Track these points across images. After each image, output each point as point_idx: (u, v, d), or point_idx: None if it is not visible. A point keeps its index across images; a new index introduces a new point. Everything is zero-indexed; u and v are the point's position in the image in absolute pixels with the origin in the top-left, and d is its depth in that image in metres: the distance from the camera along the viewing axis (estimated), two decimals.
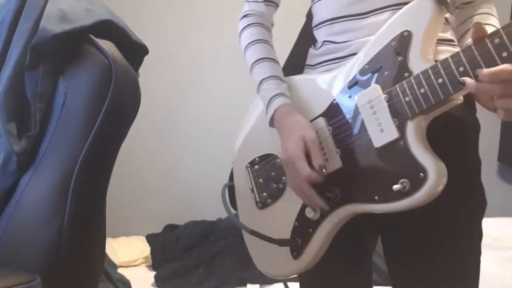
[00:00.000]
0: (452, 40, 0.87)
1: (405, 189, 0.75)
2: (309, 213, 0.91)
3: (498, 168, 2.67)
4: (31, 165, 0.83)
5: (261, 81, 0.97)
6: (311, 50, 1.03)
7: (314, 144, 0.85)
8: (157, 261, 2.38)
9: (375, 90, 0.80)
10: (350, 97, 0.86)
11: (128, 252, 2.45)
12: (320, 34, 0.98)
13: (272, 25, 1.07)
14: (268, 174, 1.01)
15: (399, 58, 0.78)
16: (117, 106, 0.82)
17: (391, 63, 0.79)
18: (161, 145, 2.73)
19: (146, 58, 0.94)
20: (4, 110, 0.83)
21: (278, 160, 0.99)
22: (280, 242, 0.95)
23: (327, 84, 0.91)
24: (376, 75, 0.82)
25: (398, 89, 0.77)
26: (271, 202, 1.01)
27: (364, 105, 0.82)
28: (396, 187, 0.76)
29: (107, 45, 0.84)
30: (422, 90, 0.74)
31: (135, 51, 0.91)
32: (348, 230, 0.89)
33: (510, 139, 2.62)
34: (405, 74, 0.77)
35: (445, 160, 0.75)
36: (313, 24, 1.01)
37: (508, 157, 2.62)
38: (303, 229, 0.92)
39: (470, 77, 0.67)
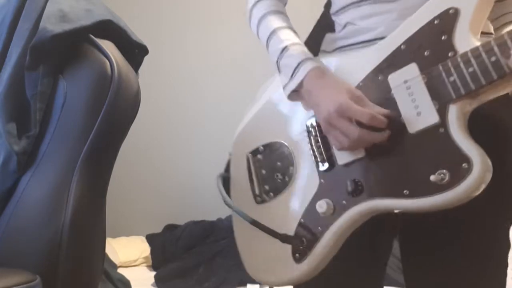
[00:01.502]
0: (491, 33, 0.80)
1: (444, 181, 0.66)
2: (321, 207, 0.78)
3: None
4: (31, 165, 0.83)
5: (284, 48, 0.85)
6: (329, 35, 0.93)
7: (364, 97, 0.75)
8: (157, 261, 2.39)
9: (413, 69, 0.72)
10: (381, 78, 0.76)
11: (128, 252, 2.45)
12: (342, 18, 0.88)
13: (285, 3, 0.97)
14: (273, 165, 0.91)
15: (443, 37, 0.70)
16: (117, 106, 0.82)
17: (433, 42, 0.71)
18: (161, 145, 2.73)
19: (146, 58, 0.94)
20: (4, 110, 0.83)
21: (286, 148, 0.90)
22: (284, 238, 0.82)
23: (354, 64, 0.82)
24: (413, 55, 0.73)
25: (441, 68, 0.69)
26: (273, 196, 0.90)
27: (398, 86, 0.73)
28: (433, 177, 0.66)
29: (107, 45, 0.84)
30: (471, 69, 0.66)
31: (135, 51, 0.91)
32: (361, 233, 0.79)
33: None
34: (450, 53, 0.69)
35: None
36: (334, 9, 0.91)
37: None
38: (311, 226, 0.81)
39: None
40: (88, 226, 0.85)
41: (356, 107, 0.73)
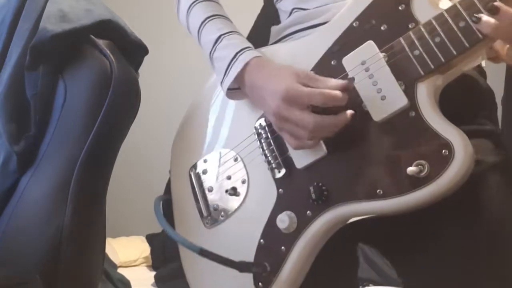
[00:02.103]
0: None
1: (423, 173, 0.56)
2: (282, 222, 0.66)
3: None
4: (31, 165, 0.83)
5: (218, 38, 0.73)
6: (274, 28, 0.81)
7: (313, 74, 0.65)
8: (157, 261, 2.39)
9: (370, 48, 0.62)
10: (335, 62, 0.66)
11: (128, 252, 2.46)
12: (287, 4, 0.79)
13: None
14: (220, 178, 0.78)
15: (400, 7, 0.62)
16: (117, 106, 0.82)
17: (389, 14, 0.62)
18: (161, 145, 2.73)
19: (146, 58, 0.94)
20: (4, 110, 0.83)
21: (234, 157, 0.76)
22: (242, 266, 0.69)
23: (302, 52, 0.71)
24: (368, 31, 0.63)
25: (403, 42, 0.60)
26: (224, 216, 0.76)
27: (355, 69, 0.63)
28: (410, 170, 0.56)
29: (107, 45, 0.84)
30: (438, 39, 0.57)
31: (135, 51, 0.91)
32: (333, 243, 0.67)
33: (510, 139, 2.62)
34: (410, 24, 0.60)
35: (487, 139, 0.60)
36: None
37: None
38: (273, 247, 0.68)
39: None
40: (88, 226, 0.85)
41: (304, 89, 0.62)
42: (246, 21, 0.95)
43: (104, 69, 0.81)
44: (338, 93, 0.60)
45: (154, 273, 2.24)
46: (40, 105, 0.83)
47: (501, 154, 0.66)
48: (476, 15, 0.53)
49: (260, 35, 0.84)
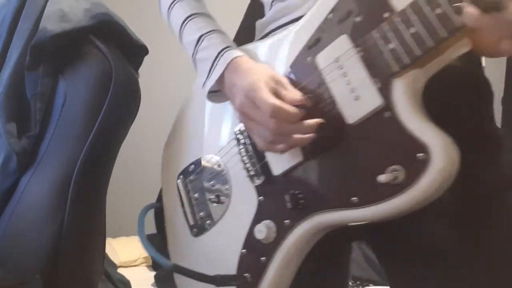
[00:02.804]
0: None
1: (398, 180, 0.51)
2: (260, 232, 0.64)
3: None
4: (31, 165, 0.83)
5: (200, 38, 0.70)
6: (259, 22, 0.78)
7: (286, 81, 0.61)
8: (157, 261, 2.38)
9: (343, 43, 0.56)
10: (310, 59, 0.61)
11: (128, 252, 2.45)
12: None
13: None
14: (205, 185, 0.74)
15: None
16: (117, 106, 0.82)
17: (364, 4, 0.56)
18: (161, 145, 2.73)
19: (146, 58, 0.94)
20: (4, 110, 0.83)
21: (218, 163, 0.73)
22: (218, 280, 0.66)
23: (281, 49, 0.67)
24: (345, 24, 0.57)
25: (375, 35, 0.53)
26: (211, 224, 0.73)
27: (329, 67, 0.58)
28: (383, 177, 0.51)
29: (107, 45, 0.84)
30: (413, 30, 0.50)
31: (135, 51, 0.91)
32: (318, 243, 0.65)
33: (510, 139, 2.62)
34: (385, 14, 0.53)
35: (457, 136, 0.52)
36: None
37: (508, 157, 2.62)
38: (254, 258, 0.65)
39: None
40: (88, 226, 0.85)
41: (261, 93, 0.58)
42: (238, 17, 0.93)
43: (104, 69, 0.81)
44: (288, 110, 0.57)
45: (154, 273, 2.23)
46: (40, 105, 0.83)
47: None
48: (456, 4, 0.47)
49: (248, 30, 0.80)
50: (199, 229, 0.75)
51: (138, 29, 0.92)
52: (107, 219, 0.91)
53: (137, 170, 2.66)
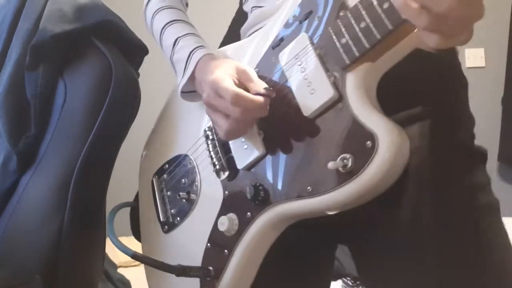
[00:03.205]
0: None
1: (347, 168, 0.52)
2: (222, 225, 0.65)
3: (498, 168, 2.66)
4: (31, 165, 0.83)
5: (175, 41, 0.74)
6: (242, 29, 0.81)
7: (251, 71, 0.63)
8: None
9: (303, 40, 0.60)
10: (274, 58, 0.64)
11: None
12: (249, 4, 0.79)
13: (187, 4, 0.87)
14: (177, 183, 0.77)
15: None
16: (117, 106, 0.82)
17: (322, 4, 0.59)
18: None
19: (146, 58, 0.94)
20: (4, 110, 0.83)
21: (189, 160, 0.75)
22: (178, 270, 0.66)
23: (249, 49, 0.70)
24: (305, 23, 0.61)
25: (330, 31, 0.56)
26: (180, 220, 0.75)
27: (290, 63, 0.61)
28: (331, 165, 0.52)
29: (107, 45, 0.84)
30: (363, 25, 0.52)
31: (135, 51, 0.91)
32: (301, 246, 0.67)
33: (510, 139, 2.62)
34: (341, 12, 0.56)
35: (425, 123, 0.56)
36: None
37: (508, 157, 2.62)
38: (218, 251, 0.66)
39: None
40: (88, 226, 0.85)
41: (225, 84, 0.60)
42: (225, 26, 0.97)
43: (104, 69, 0.81)
44: (249, 98, 0.59)
45: None
46: (40, 105, 0.83)
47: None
48: None
49: (233, 38, 0.82)
50: (169, 225, 0.77)
51: (138, 29, 0.92)
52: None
53: (137, 170, 2.66)
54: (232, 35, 0.84)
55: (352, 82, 0.55)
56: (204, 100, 0.64)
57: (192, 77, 0.70)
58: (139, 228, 0.86)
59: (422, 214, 0.58)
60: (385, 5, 0.50)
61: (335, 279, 1.86)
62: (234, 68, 0.64)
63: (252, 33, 0.75)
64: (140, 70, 0.93)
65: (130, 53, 0.89)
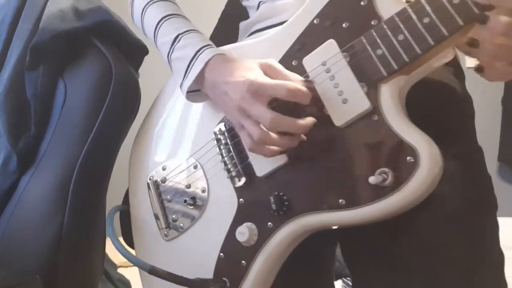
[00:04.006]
0: None
1: (387, 183, 0.52)
2: (242, 235, 0.62)
3: (498, 168, 2.66)
4: (31, 165, 0.83)
5: (176, 38, 0.69)
6: (242, 24, 0.77)
7: (277, 64, 0.60)
8: None
9: (331, 47, 0.58)
10: (296, 63, 0.62)
11: None
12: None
13: None
14: (179, 187, 0.73)
15: (363, 2, 0.57)
16: (117, 106, 0.82)
17: (351, 11, 0.58)
18: None
19: (146, 58, 0.94)
20: (4, 110, 0.83)
21: (194, 164, 0.71)
22: (197, 284, 0.64)
23: (263, 51, 0.67)
24: (330, 29, 0.59)
25: (364, 40, 0.56)
26: (184, 227, 0.71)
27: (316, 70, 0.59)
28: (373, 179, 0.52)
29: (107, 45, 0.84)
30: (401, 37, 0.52)
31: (135, 51, 0.91)
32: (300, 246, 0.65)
33: (510, 139, 2.62)
34: (372, 21, 0.56)
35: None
36: None
37: (508, 157, 2.62)
38: (233, 261, 0.64)
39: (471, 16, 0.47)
40: (88, 226, 0.85)
41: (269, 80, 0.57)
42: (212, 19, 0.92)
43: (104, 69, 0.81)
44: (303, 88, 0.56)
45: None
46: (40, 105, 0.83)
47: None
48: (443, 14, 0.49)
49: (225, 33, 0.79)
50: (171, 232, 0.73)
51: (138, 29, 0.92)
52: None
53: None
54: (225, 30, 0.80)
55: (387, 95, 0.54)
56: (237, 104, 0.59)
57: (200, 77, 0.65)
58: (131, 233, 0.81)
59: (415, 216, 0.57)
60: (425, 20, 0.50)
61: (335, 279, 1.86)
62: (260, 65, 0.60)
63: (259, 29, 0.72)
64: (140, 70, 0.93)
65: (130, 53, 0.88)
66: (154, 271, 0.64)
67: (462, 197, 0.59)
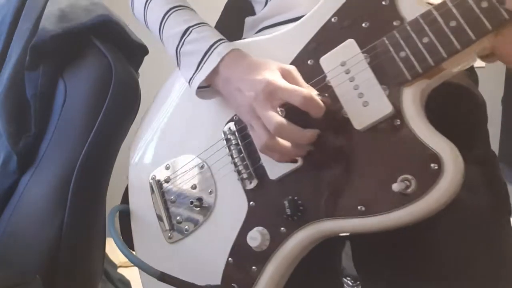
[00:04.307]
0: None
1: (409, 190, 0.50)
2: (254, 240, 0.60)
3: None
4: (31, 165, 0.83)
5: (187, 30, 0.65)
6: (249, 19, 0.74)
7: (297, 73, 0.58)
8: None
9: (350, 47, 0.56)
10: (312, 62, 0.59)
11: None
12: None
13: None
14: (184, 188, 0.70)
15: (384, 2, 0.55)
16: (117, 106, 0.82)
17: (372, 10, 0.56)
18: None
19: (146, 58, 0.94)
20: (4, 110, 0.83)
21: (201, 164, 0.68)
22: None
23: (276, 48, 0.64)
24: (349, 28, 0.57)
25: (387, 41, 0.53)
26: (189, 230, 0.69)
27: (334, 70, 0.56)
28: (396, 186, 0.50)
29: (107, 45, 0.84)
30: (426, 40, 0.51)
31: (135, 51, 0.91)
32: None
33: (510, 139, 2.62)
34: (394, 22, 0.54)
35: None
36: None
37: (508, 157, 2.62)
38: (243, 266, 0.62)
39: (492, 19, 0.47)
40: (88, 226, 0.85)
41: (288, 84, 0.55)
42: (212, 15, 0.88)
43: (104, 69, 0.81)
44: (319, 101, 0.54)
45: None
46: (40, 105, 0.83)
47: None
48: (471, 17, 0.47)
49: (228, 27, 0.74)
50: (176, 234, 0.70)
51: (138, 29, 0.92)
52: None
53: None
54: (229, 24, 0.76)
55: (409, 99, 0.52)
56: (249, 102, 0.56)
57: (213, 73, 0.62)
58: (130, 234, 0.77)
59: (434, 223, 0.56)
60: (452, 23, 0.49)
61: None
62: (280, 68, 0.58)
63: (268, 26, 0.70)
64: (140, 70, 0.93)
65: (130, 53, 0.89)
66: (164, 278, 0.62)
67: (479, 203, 0.58)
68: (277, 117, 0.54)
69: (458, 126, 0.58)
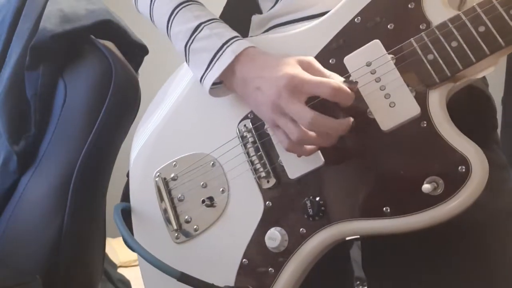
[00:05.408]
0: None
1: (438, 191, 0.50)
2: (273, 241, 0.59)
3: None
4: (31, 165, 0.83)
5: (198, 27, 0.63)
6: (256, 17, 0.72)
7: (317, 62, 0.56)
8: None
9: (376, 48, 0.56)
10: (334, 61, 0.58)
11: (128, 252, 2.44)
12: None
13: None
14: (194, 186, 0.67)
15: (410, 5, 0.55)
16: (117, 106, 0.82)
17: (398, 12, 0.56)
18: None
19: (146, 58, 0.94)
20: (4, 110, 0.83)
21: (212, 161, 0.66)
22: None
23: (295, 46, 0.62)
24: (374, 29, 0.57)
25: (415, 43, 0.53)
26: (199, 230, 0.66)
27: (359, 70, 0.56)
28: (426, 187, 0.50)
29: (107, 45, 0.84)
30: (454, 44, 0.51)
31: (135, 51, 0.91)
32: None
33: (510, 139, 2.62)
34: (421, 25, 0.54)
35: None
36: None
37: (508, 157, 2.62)
38: (259, 269, 0.60)
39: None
40: (88, 226, 0.85)
41: (312, 77, 0.53)
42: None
43: (104, 69, 0.81)
44: (347, 89, 0.53)
45: None
46: (40, 105, 0.83)
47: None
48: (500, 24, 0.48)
49: (231, 25, 0.70)
50: (184, 234, 0.67)
51: (138, 29, 0.92)
52: (107, 219, 0.91)
53: None
54: (232, 22, 0.72)
55: (436, 101, 0.53)
56: (272, 100, 0.55)
57: (228, 71, 0.60)
58: (131, 234, 0.73)
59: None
60: (481, 29, 0.50)
61: None
62: (299, 61, 0.56)
63: (279, 24, 0.68)
64: (140, 70, 0.93)
65: (130, 53, 0.89)
66: (184, 279, 0.60)
67: (494, 206, 0.58)
68: (309, 110, 0.53)
69: (478, 129, 0.58)
